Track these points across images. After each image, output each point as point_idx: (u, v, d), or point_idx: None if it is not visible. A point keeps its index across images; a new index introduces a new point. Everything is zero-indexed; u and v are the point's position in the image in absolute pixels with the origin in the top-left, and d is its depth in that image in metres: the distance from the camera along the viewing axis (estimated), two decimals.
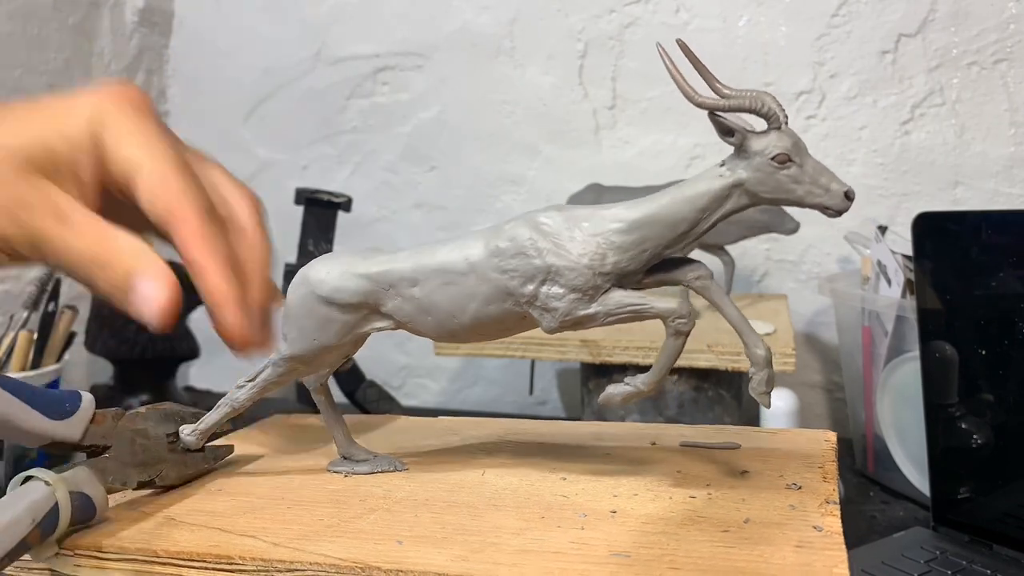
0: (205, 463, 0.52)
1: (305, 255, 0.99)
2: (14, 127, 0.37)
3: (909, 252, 0.73)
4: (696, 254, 0.93)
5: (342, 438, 0.52)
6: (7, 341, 0.89)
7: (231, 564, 0.40)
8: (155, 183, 0.37)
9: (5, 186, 0.35)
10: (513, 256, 0.43)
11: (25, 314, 0.91)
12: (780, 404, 0.82)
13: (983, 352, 0.66)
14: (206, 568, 0.40)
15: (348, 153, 1.29)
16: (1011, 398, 0.64)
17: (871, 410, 0.84)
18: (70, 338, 0.95)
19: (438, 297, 0.45)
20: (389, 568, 0.37)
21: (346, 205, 1.02)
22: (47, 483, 0.41)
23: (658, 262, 0.43)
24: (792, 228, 0.92)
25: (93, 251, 0.36)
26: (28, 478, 0.42)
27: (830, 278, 0.94)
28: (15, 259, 0.36)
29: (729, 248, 0.93)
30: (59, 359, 0.93)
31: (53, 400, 0.44)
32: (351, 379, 1.04)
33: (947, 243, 0.68)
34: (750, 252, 1.10)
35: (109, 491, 0.45)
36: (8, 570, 0.43)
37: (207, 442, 0.51)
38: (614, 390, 0.44)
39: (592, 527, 0.40)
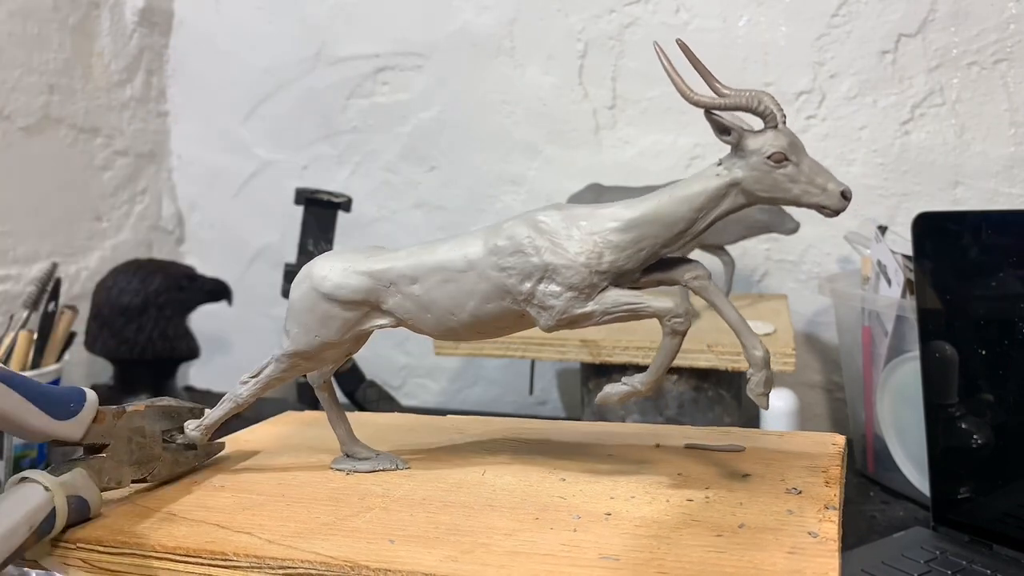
0: (196, 460, 0.52)
1: (305, 255, 0.99)
2: None
3: (909, 252, 0.73)
4: (696, 254, 0.94)
5: (345, 436, 0.52)
6: (7, 341, 0.89)
7: (225, 560, 0.40)
8: None
9: None
10: (511, 254, 0.43)
11: (25, 314, 0.92)
12: (780, 404, 0.82)
13: (983, 352, 0.66)
14: (201, 563, 0.40)
15: (348, 153, 1.29)
16: (1011, 398, 0.64)
17: (871, 410, 0.84)
18: (70, 338, 0.95)
19: (437, 294, 0.45)
20: (378, 567, 0.37)
21: (346, 205, 1.02)
22: (46, 488, 0.41)
23: (655, 261, 0.43)
24: (792, 228, 0.92)
25: None
26: (25, 478, 0.42)
27: (830, 278, 0.94)
28: None
29: (729, 248, 0.93)
30: (59, 359, 0.93)
31: (59, 399, 0.44)
32: (351, 379, 1.04)
33: (947, 243, 0.68)
34: (750, 252, 1.09)
35: (103, 490, 0.45)
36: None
37: (210, 439, 0.52)
38: (611, 389, 0.44)
39: (584, 529, 0.40)
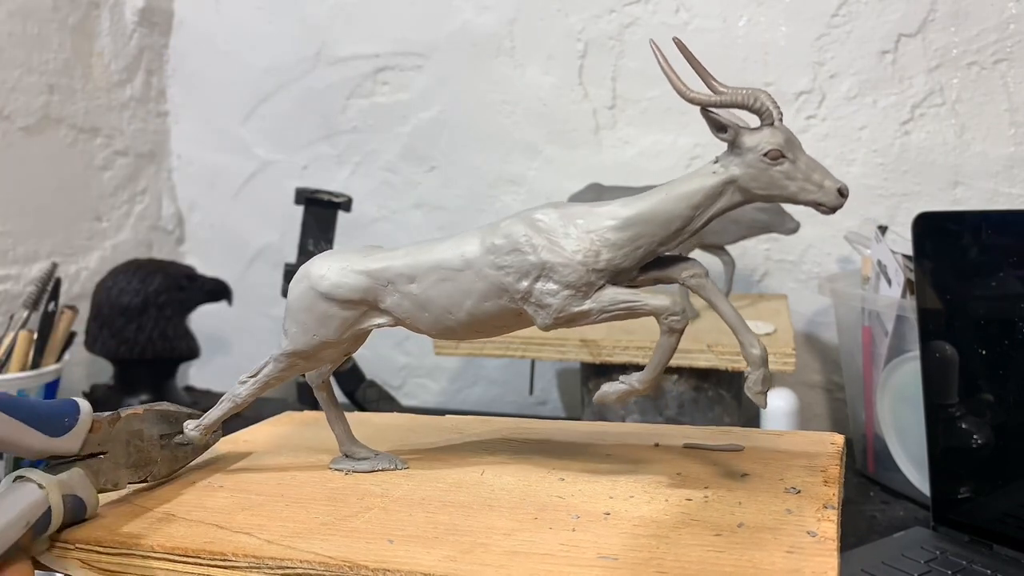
0: (195, 453, 0.52)
1: (305, 255, 0.99)
2: None
3: (909, 252, 0.73)
4: (696, 254, 0.94)
5: (343, 436, 0.52)
6: (7, 341, 0.89)
7: (224, 560, 0.40)
8: None
9: None
10: (508, 252, 0.43)
11: (25, 314, 0.92)
12: (780, 404, 0.82)
13: (983, 352, 0.66)
14: (200, 563, 0.40)
15: (348, 153, 1.29)
16: (1011, 398, 0.64)
17: (871, 410, 0.83)
18: (70, 338, 0.95)
19: (435, 293, 0.45)
20: (377, 567, 0.37)
21: (346, 205, 1.02)
22: (40, 486, 0.41)
23: (653, 260, 0.43)
24: (792, 228, 0.92)
25: None
26: (21, 477, 0.42)
27: (830, 278, 0.94)
28: None
29: (729, 248, 0.93)
30: (59, 359, 0.93)
31: (51, 416, 0.44)
32: (351, 379, 1.04)
33: (947, 243, 0.68)
34: (750, 252, 1.09)
35: (100, 491, 0.45)
36: None
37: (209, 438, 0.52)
38: (609, 388, 0.44)
39: (583, 529, 0.40)
